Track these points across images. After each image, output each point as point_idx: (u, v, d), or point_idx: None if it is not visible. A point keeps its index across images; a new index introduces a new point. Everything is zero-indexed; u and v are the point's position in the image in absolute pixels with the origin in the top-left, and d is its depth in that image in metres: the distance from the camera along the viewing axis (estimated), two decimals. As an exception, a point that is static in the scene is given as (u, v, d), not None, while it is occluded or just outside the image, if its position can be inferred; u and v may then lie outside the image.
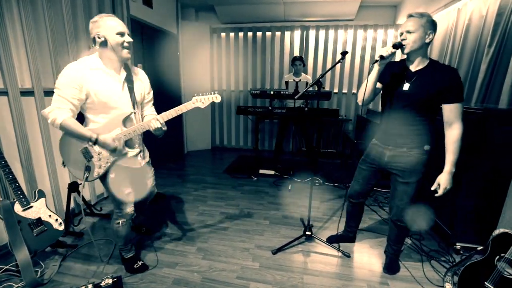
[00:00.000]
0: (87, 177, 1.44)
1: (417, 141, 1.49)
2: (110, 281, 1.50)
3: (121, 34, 1.37)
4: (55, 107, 1.34)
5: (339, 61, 1.77)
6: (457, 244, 1.93)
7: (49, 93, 2.03)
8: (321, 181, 3.32)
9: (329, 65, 4.32)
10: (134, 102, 1.52)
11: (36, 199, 1.73)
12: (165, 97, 3.68)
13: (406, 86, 1.46)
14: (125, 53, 1.41)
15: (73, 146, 1.45)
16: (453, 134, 1.40)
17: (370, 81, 1.53)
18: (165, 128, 1.52)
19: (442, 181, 1.44)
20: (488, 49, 2.28)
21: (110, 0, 2.67)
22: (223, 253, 1.94)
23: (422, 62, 1.44)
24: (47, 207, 1.77)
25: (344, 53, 1.78)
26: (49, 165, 2.13)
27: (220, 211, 2.57)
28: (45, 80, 2.04)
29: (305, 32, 4.26)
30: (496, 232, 1.34)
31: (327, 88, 4.38)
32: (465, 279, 1.41)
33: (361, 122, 4.05)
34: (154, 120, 1.48)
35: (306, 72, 4.29)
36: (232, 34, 4.51)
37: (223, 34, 4.53)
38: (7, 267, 1.67)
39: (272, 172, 3.54)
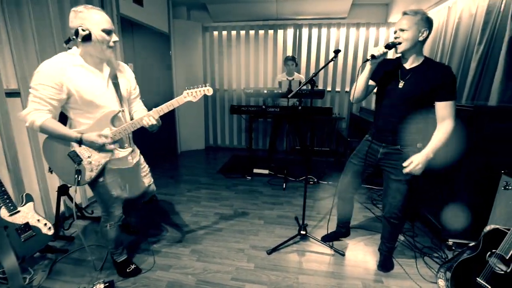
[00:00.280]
0: (78, 181, 1.37)
1: (410, 139, 1.49)
2: (102, 286, 1.47)
3: (108, 32, 1.28)
4: (32, 108, 1.24)
5: (332, 60, 1.76)
6: (449, 240, 1.95)
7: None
8: (315, 180, 3.32)
9: (322, 64, 4.33)
10: (121, 100, 1.46)
11: (23, 203, 1.68)
12: (157, 96, 3.63)
13: (400, 84, 1.46)
14: (109, 53, 1.32)
15: (59, 150, 1.37)
16: (443, 126, 1.40)
17: (362, 79, 1.54)
18: (160, 123, 1.47)
19: (416, 159, 1.40)
20: (478, 47, 2.31)
21: (99, -2, 2.61)
22: (217, 255, 1.93)
23: (417, 60, 1.45)
24: (35, 211, 1.72)
25: (337, 52, 1.78)
26: (37, 168, 2.07)
27: (214, 212, 2.55)
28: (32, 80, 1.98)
29: (298, 30, 4.25)
30: (487, 228, 1.36)
31: (320, 87, 4.38)
32: (458, 275, 1.43)
33: (354, 120, 4.07)
34: (147, 117, 1.42)
35: (299, 71, 4.29)
36: (224, 33, 4.47)
37: (215, 33, 4.49)
38: (-6, 274, 1.62)
39: (266, 172, 3.53)
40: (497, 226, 1.31)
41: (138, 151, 1.68)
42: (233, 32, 4.43)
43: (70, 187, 2.10)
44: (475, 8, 2.38)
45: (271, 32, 4.36)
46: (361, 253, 1.96)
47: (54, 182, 2.22)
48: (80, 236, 1.45)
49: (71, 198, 2.18)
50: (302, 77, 3.71)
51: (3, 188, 1.56)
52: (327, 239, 2.07)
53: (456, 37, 2.64)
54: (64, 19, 2.23)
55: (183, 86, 4.30)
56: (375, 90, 1.67)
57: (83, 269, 1.76)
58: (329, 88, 4.42)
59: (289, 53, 4.30)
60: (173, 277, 1.70)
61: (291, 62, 3.56)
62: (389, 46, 1.41)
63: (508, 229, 1.26)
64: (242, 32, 4.42)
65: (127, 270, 1.70)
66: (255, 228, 2.27)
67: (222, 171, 3.68)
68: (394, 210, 1.61)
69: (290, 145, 4.68)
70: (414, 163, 1.41)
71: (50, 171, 1.43)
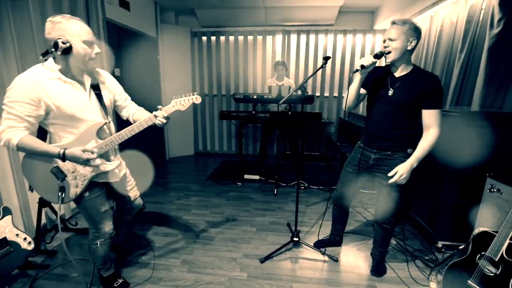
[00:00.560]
0: (62, 198, 1.28)
1: (401, 145, 1.52)
2: (87, 303, 1.38)
3: (89, 44, 1.21)
4: (6, 126, 1.14)
5: (322, 66, 1.78)
6: (439, 242, 1.98)
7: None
8: (306, 184, 3.33)
9: (310, 69, 4.38)
10: (105, 111, 1.39)
11: (1, 217, 1.58)
12: (145, 103, 3.53)
13: (390, 92, 1.49)
14: (91, 64, 1.26)
15: (40, 167, 1.27)
16: (428, 135, 1.45)
17: (353, 88, 1.56)
18: (168, 120, 1.41)
19: (401, 169, 1.45)
20: (459, 54, 2.40)
21: (84, 2, 2.53)
22: (209, 265, 1.87)
23: (406, 68, 1.48)
24: (14, 225, 1.62)
25: (326, 58, 1.79)
26: (16, 179, 1.95)
27: (205, 220, 2.50)
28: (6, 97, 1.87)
29: (286, 36, 4.30)
30: (476, 231, 1.39)
31: (309, 92, 4.43)
32: (449, 278, 1.45)
33: (342, 125, 4.13)
34: (153, 117, 1.36)
35: (288, 77, 4.32)
36: (213, 38, 4.46)
37: (204, 38, 4.47)
38: (-33, 294, 1.51)
39: (257, 177, 3.51)
40: (486, 229, 1.35)
41: (124, 163, 1.61)
42: (222, 38, 4.42)
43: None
44: (456, 17, 2.48)
45: (260, 38, 4.38)
46: (354, 258, 1.96)
47: (35, 193, 2.10)
48: (65, 249, 1.34)
49: (53, 209, 2.07)
50: (291, 82, 3.74)
51: (-22, 202, 1.46)
52: (320, 245, 2.06)
53: (439, 45, 2.74)
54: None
55: (171, 92, 4.25)
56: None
57: (67, 285, 1.67)
58: (317, 93, 4.48)
59: (278, 58, 4.33)
60: (163, 291, 1.64)
61: (281, 66, 3.58)
62: (377, 56, 1.43)
63: (496, 232, 1.29)
64: (231, 38, 4.42)
65: (115, 285, 1.62)
66: (247, 236, 2.24)
67: (212, 178, 3.63)
68: (386, 215, 1.63)
69: (280, 150, 4.69)
70: (399, 173, 1.45)
71: (31, 189, 1.33)
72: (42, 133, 1.30)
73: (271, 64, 4.37)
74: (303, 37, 4.29)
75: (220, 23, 4.40)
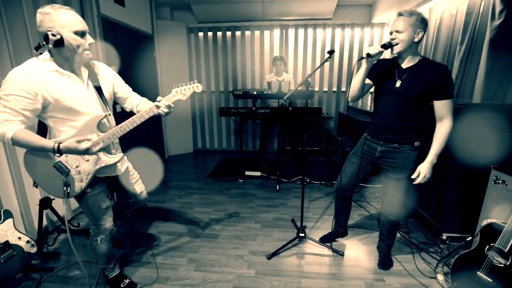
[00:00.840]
0: (68, 193, 1.26)
1: (407, 137, 1.51)
2: (95, 305, 1.36)
3: (81, 34, 1.16)
4: (1, 120, 1.11)
5: (326, 60, 1.76)
6: (444, 234, 2.00)
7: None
8: (308, 180, 3.33)
9: (309, 64, 4.36)
10: (105, 103, 1.36)
11: (1, 220, 1.53)
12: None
13: (397, 83, 1.47)
14: (86, 55, 1.21)
15: (43, 162, 1.25)
16: (443, 127, 1.44)
17: (358, 78, 1.54)
18: (171, 109, 1.38)
19: (423, 170, 1.47)
20: (459, 46, 2.40)
21: (78, -2, 2.46)
22: (216, 263, 1.86)
23: (413, 59, 1.47)
24: (15, 228, 1.58)
25: (330, 52, 1.77)
26: (16, 181, 1.91)
27: (209, 218, 2.48)
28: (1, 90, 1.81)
29: (284, 31, 4.26)
30: (484, 222, 1.40)
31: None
32: (458, 269, 1.46)
33: (342, 119, 4.13)
34: (155, 108, 1.32)
35: (286, 72, 4.29)
36: (210, 34, 4.39)
37: (200, 34, 4.39)
38: (-30, 300, 1.47)
39: (258, 174, 3.50)
40: (494, 220, 1.36)
41: (125, 157, 1.58)
42: (219, 33, 4.36)
43: (54, 199, 1.95)
44: (455, 9, 2.47)
45: (257, 33, 4.33)
46: (360, 252, 1.97)
47: (35, 195, 2.06)
48: (74, 250, 1.32)
49: (54, 211, 2.03)
50: (290, 77, 3.71)
51: (-22, 205, 1.42)
52: (326, 239, 2.06)
53: (438, 38, 2.73)
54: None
55: (168, 88, 4.18)
56: (371, 90, 1.68)
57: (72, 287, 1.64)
58: (317, 88, 4.46)
59: (276, 53, 4.29)
60: (171, 290, 1.62)
61: (280, 62, 3.55)
62: (385, 46, 1.42)
63: (505, 223, 1.30)
64: (228, 33, 4.36)
65: (121, 286, 1.60)
66: (252, 233, 2.23)
67: (213, 175, 3.60)
68: (394, 208, 1.63)
69: (280, 146, 4.68)
70: (422, 174, 1.46)
71: (35, 185, 1.30)
72: (42, 129, 1.27)
73: (269, 59, 4.33)
74: (301, 31, 4.25)
75: (216, 19, 4.33)
